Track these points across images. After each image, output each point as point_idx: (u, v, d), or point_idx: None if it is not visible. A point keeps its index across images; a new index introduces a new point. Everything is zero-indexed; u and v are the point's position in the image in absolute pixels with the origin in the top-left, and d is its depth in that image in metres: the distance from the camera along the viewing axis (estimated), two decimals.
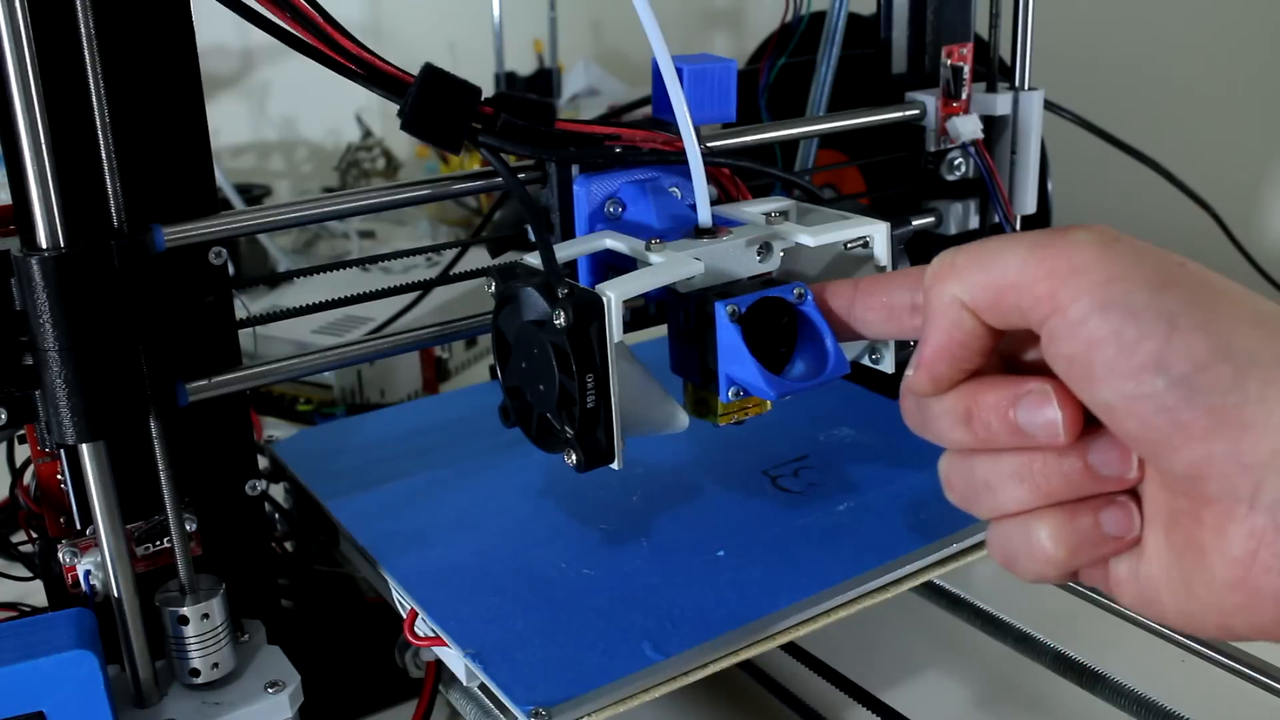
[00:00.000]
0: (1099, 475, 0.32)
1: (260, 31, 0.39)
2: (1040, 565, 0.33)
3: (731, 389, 0.40)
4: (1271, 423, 0.28)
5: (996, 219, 0.59)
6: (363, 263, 0.51)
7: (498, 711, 0.40)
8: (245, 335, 0.44)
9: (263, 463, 0.55)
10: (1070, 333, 0.30)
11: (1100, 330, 0.29)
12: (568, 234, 0.45)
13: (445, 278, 0.52)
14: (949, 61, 0.58)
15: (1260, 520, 0.28)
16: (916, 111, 0.57)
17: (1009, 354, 0.35)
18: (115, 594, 0.39)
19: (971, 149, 0.57)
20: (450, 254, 0.75)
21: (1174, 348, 0.29)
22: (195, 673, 0.40)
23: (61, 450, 0.40)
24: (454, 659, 0.41)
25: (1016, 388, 0.32)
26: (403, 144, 1.39)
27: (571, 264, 0.43)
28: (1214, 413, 0.28)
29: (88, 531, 0.41)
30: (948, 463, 0.35)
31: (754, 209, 0.44)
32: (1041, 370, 0.32)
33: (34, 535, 0.47)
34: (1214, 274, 0.31)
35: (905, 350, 0.45)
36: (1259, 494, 0.28)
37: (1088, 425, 0.32)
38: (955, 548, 0.46)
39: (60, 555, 0.41)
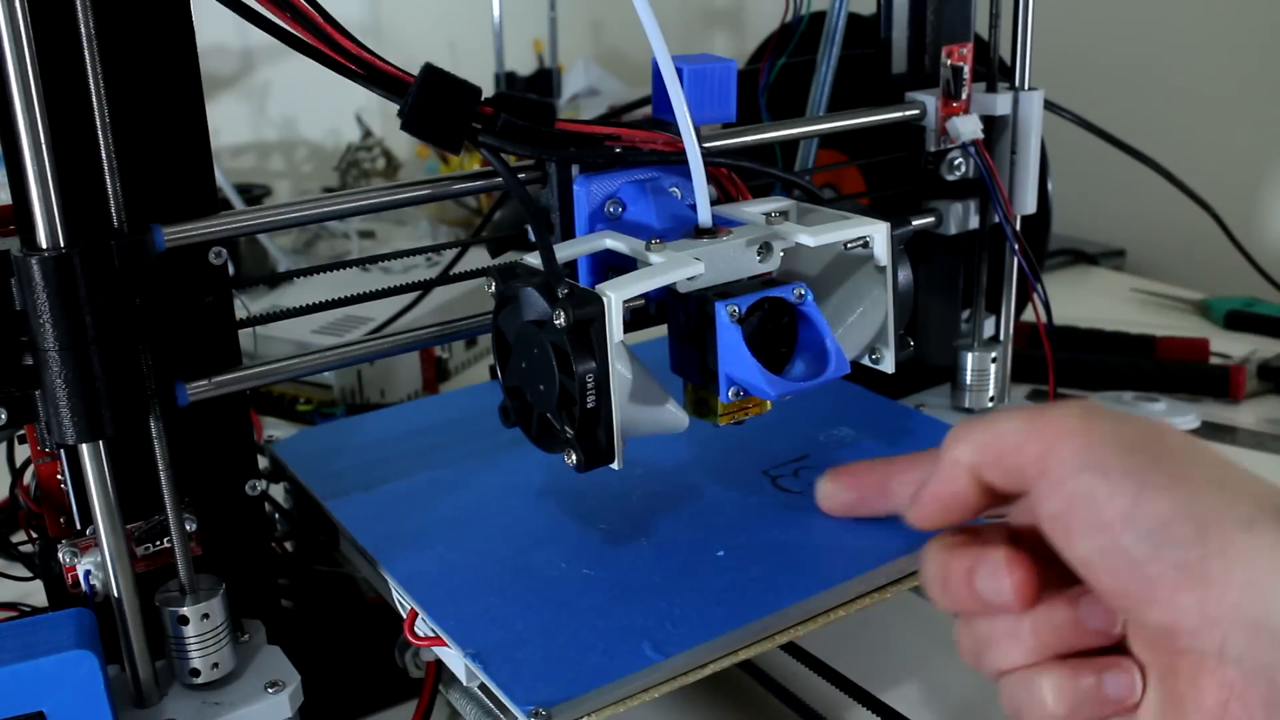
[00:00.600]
0: (1086, 629, 0.35)
1: (260, 31, 0.39)
2: (1043, 718, 0.35)
3: (731, 389, 0.40)
4: (1233, 578, 0.30)
5: (996, 219, 0.59)
6: (363, 263, 0.51)
7: (498, 711, 0.40)
8: (245, 335, 0.44)
9: (263, 463, 0.55)
10: (1053, 491, 0.33)
11: (1078, 489, 0.32)
12: (568, 234, 0.45)
13: (445, 278, 0.52)
14: (949, 61, 0.58)
15: (1230, 672, 0.31)
16: (916, 111, 0.57)
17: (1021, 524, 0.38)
18: (115, 594, 0.39)
19: (971, 149, 0.57)
20: (450, 254, 0.75)
21: (1141, 506, 0.31)
22: (195, 673, 0.40)
23: (61, 450, 0.40)
24: (454, 659, 0.41)
25: (979, 556, 0.36)
26: (403, 144, 1.39)
27: (571, 264, 0.43)
28: (1180, 567, 0.31)
29: (88, 531, 0.41)
30: (959, 625, 0.38)
31: (754, 209, 0.44)
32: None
33: (34, 535, 0.47)
34: (1188, 441, 0.33)
35: (905, 351, 0.45)
36: (1226, 647, 0.30)
37: (1075, 584, 0.34)
38: None
39: (60, 555, 0.41)
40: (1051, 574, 0.35)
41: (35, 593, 0.48)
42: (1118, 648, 0.35)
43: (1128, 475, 0.32)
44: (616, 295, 0.36)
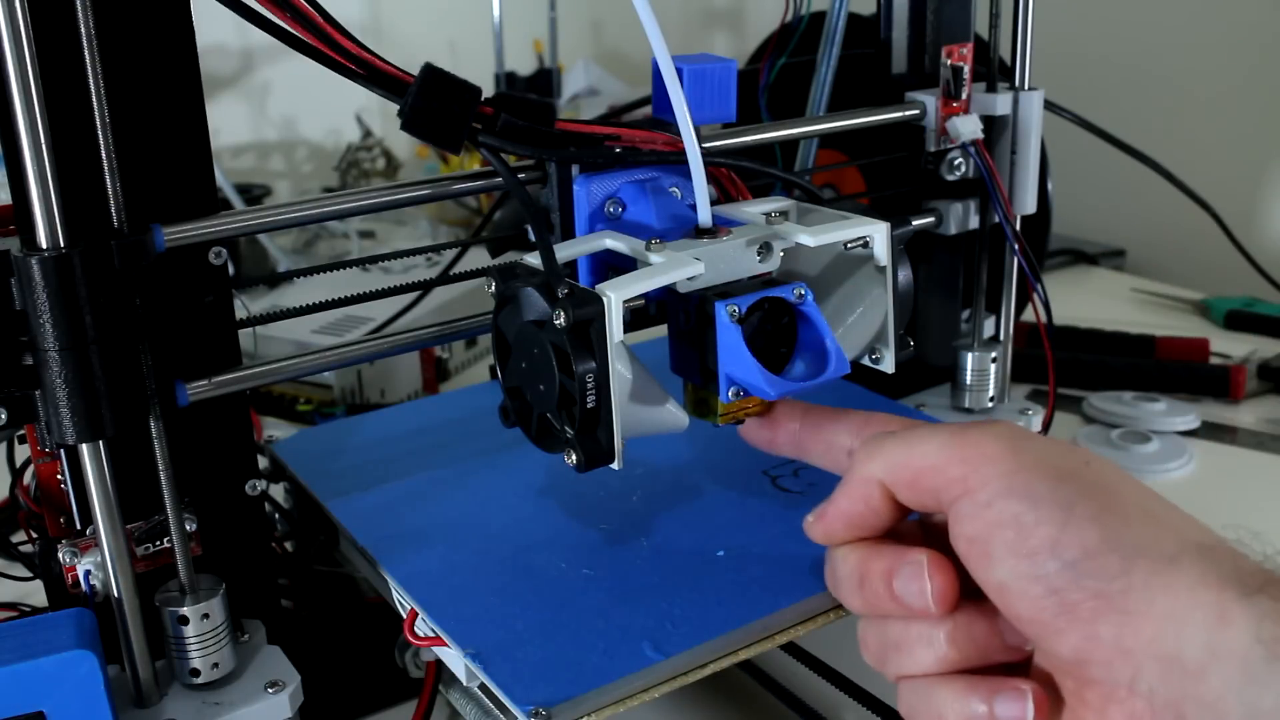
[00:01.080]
0: (1001, 643, 0.35)
1: (260, 31, 0.39)
2: None
3: (731, 389, 0.40)
4: (1153, 611, 0.30)
5: (996, 219, 0.59)
6: (363, 263, 0.51)
7: (498, 711, 0.40)
8: (245, 335, 0.44)
9: (263, 463, 0.55)
10: (975, 514, 0.33)
11: (1003, 513, 0.32)
12: (568, 234, 0.45)
13: (445, 278, 0.52)
14: (949, 61, 0.58)
15: (1139, 705, 0.30)
16: (916, 111, 0.57)
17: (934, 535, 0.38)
18: (115, 594, 0.39)
19: (971, 149, 0.57)
20: (450, 254, 0.75)
21: (1068, 534, 0.31)
22: (195, 673, 0.40)
23: (61, 450, 0.40)
24: (454, 659, 0.41)
25: (899, 558, 0.35)
26: (403, 144, 1.39)
27: (571, 264, 0.43)
28: (1100, 597, 0.31)
29: (88, 531, 0.41)
30: (865, 625, 0.38)
31: (754, 209, 0.44)
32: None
33: (34, 535, 0.47)
34: (1116, 472, 0.33)
35: (905, 351, 0.45)
36: (1137, 679, 0.30)
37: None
38: None
39: (60, 555, 0.41)
40: (970, 583, 0.34)
41: (35, 593, 0.48)
42: (1025, 664, 0.35)
43: (1056, 503, 0.32)
44: (616, 295, 0.36)
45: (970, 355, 0.61)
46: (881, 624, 0.37)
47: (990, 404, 0.62)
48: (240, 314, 0.44)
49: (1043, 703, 0.33)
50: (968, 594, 0.35)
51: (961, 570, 0.34)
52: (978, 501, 0.33)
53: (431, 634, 0.42)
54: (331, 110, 1.38)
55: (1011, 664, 0.35)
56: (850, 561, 0.37)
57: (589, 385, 0.37)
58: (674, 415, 0.41)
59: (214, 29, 0.48)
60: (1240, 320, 0.95)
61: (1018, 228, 0.59)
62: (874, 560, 0.36)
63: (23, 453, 0.47)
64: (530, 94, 0.65)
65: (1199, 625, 0.29)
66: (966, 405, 0.62)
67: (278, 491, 0.56)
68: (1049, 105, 0.72)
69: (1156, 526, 0.32)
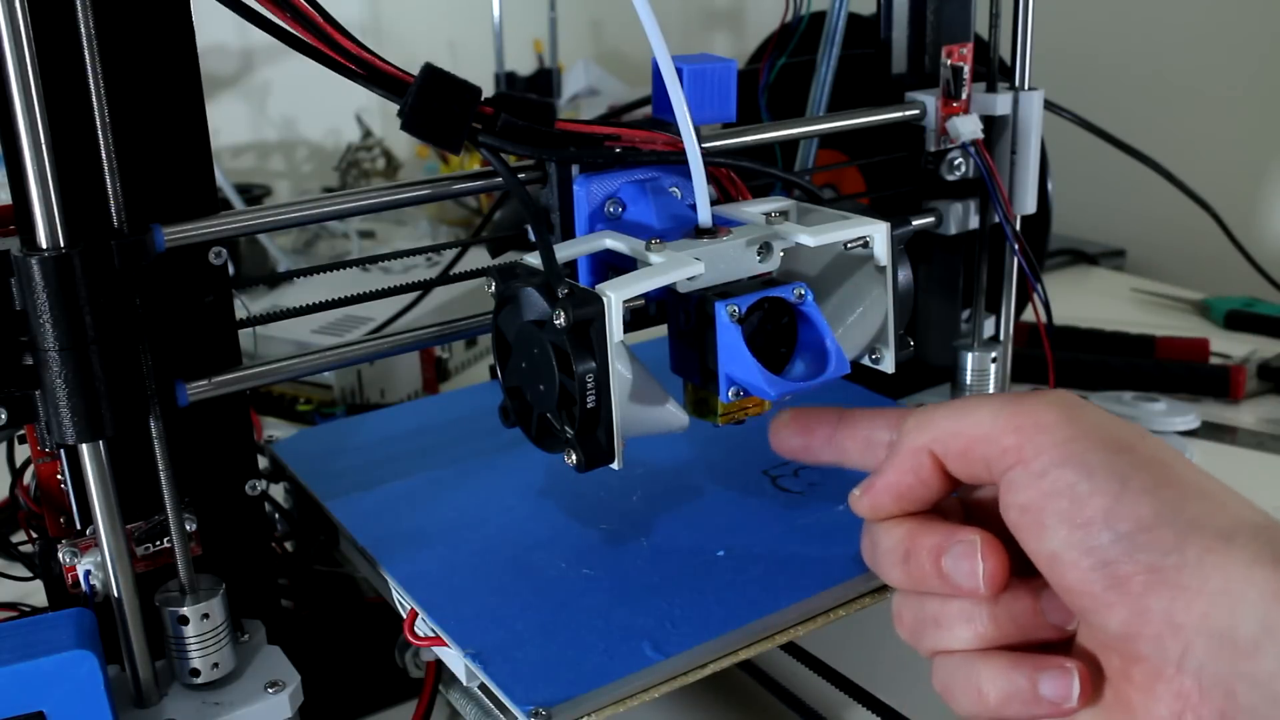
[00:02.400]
0: (1042, 622, 0.35)
1: (260, 31, 0.39)
2: (973, 706, 0.35)
3: (731, 389, 0.40)
4: (1206, 588, 0.30)
5: (996, 219, 0.59)
6: (363, 263, 0.51)
7: (498, 711, 0.40)
8: (245, 335, 0.44)
9: (263, 463, 0.55)
10: (1029, 482, 0.32)
11: (1057, 483, 0.32)
12: (568, 234, 0.45)
13: (445, 278, 0.52)
14: (949, 61, 0.58)
15: (1187, 682, 0.30)
16: (916, 111, 0.57)
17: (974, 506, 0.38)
18: (115, 594, 0.39)
19: (971, 149, 0.57)
20: (450, 254, 0.75)
21: (1123, 506, 0.31)
22: (195, 673, 0.40)
23: (61, 450, 0.40)
24: (454, 659, 0.41)
25: (950, 536, 0.35)
26: (403, 144, 1.39)
27: (571, 264, 0.43)
28: (1152, 571, 0.30)
29: (88, 531, 0.41)
30: (900, 599, 0.37)
31: (754, 209, 0.44)
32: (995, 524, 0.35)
33: (34, 535, 0.47)
34: (1167, 448, 0.33)
35: (905, 351, 0.45)
36: (1186, 656, 0.30)
37: (1036, 574, 0.34)
38: None
39: (60, 555, 0.41)
40: (1015, 561, 0.34)
41: (35, 593, 0.48)
42: (1066, 644, 0.35)
43: (1111, 474, 0.31)
44: (616, 295, 0.36)
45: (970, 355, 0.61)
46: (919, 599, 0.36)
47: None
48: (240, 314, 0.44)
49: (1087, 680, 0.33)
50: (1014, 571, 0.34)
51: (1009, 547, 0.34)
52: (1031, 470, 0.32)
53: (431, 634, 0.42)
54: (331, 110, 1.38)
55: (1052, 644, 0.35)
56: (895, 535, 0.36)
57: (589, 385, 0.37)
58: (674, 415, 0.41)
59: (214, 29, 0.48)
60: (1240, 320, 0.95)
61: (1018, 228, 0.59)
62: (922, 536, 0.36)
63: (23, 453, 0.47)
64: (530, 94, 0.65)
65: (1254, 603, 0.29)
66: None
67: (278, 491, 0.56)
68: (1049, 105, 0.72)
69: (1212, 503, 0.31)
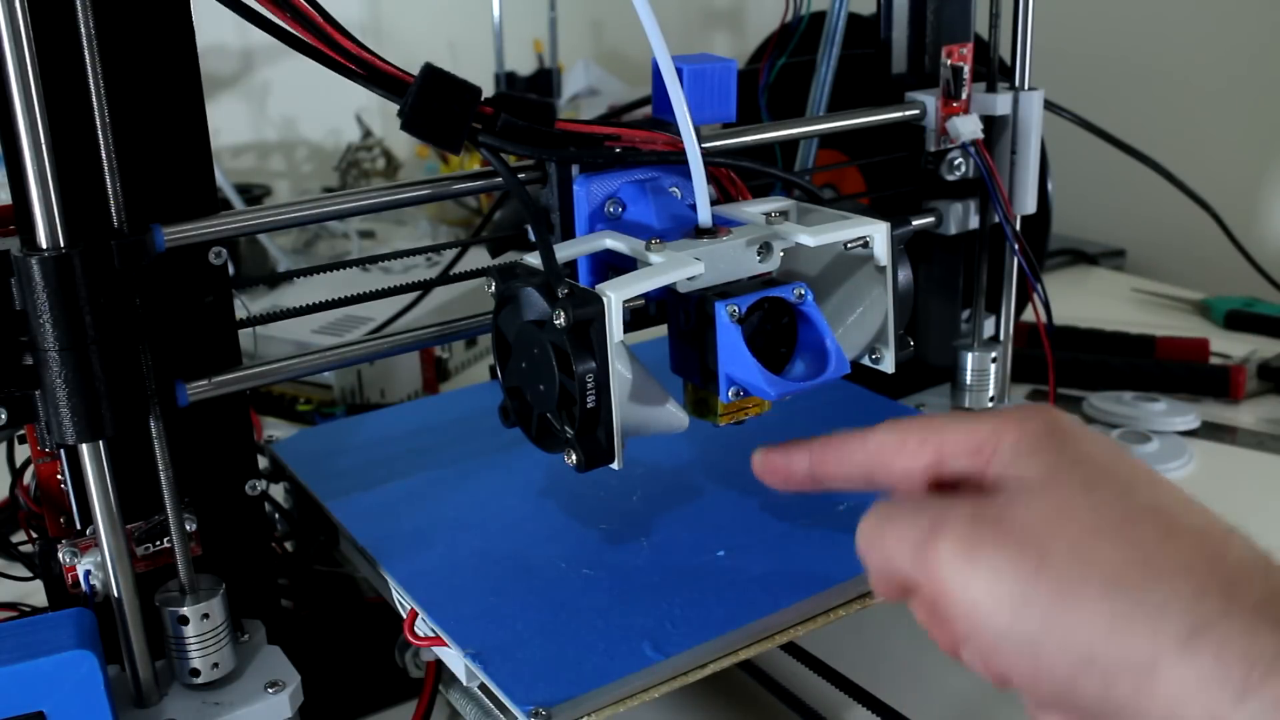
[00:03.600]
0: None
1: (260, 31, 0.39)
2: None
3: (731, 389, 0.40)
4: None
5: (996, 219, 0.59)
6: (363, 263, 0.51)
7: (498, 711, 0.40)
8: (245, 335, 0.44)
9: (263, 463, 0.55)
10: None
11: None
12: (568, 234, 0.45)
13: (445, 278, 0.52)
14: (949, 61, 0.58)
15: None
16: (916, 111, 0.57)
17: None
18: (115, 594, 0.39)
19: (971, 149, 0.57)
20: (450, 254, 0.75)
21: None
22: (195, 673, 0.40)
23: (61, 450, 0.40)
24: (454, 659, 0.41)
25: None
26: (403, 144, 1.39)
27: (571, 264, 0.43)
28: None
29: (88, 531, 0.41)
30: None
31: (754, 209, 0.44)
32: None
33: (34, 535, 0.47)
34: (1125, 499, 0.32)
35: (905, 351, 0.45)
36: None
37: None
38: None
39: (60, 555, 0.41)
40: None
41: (35, 593, 0.48)
42: None
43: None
44: (616, 295, 0.36)
45: (970, 355, 0.61)
46: None
47: (990, 404, 0.62)
48: (240, 314, 0.44)
49: None
50: None
51: None
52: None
53: (431, 634, 0.42)
54: (331, 110, 1.38)
55: None
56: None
57: (589, 385, 0.37)
58: (674, 415, 0.41)
59: (214, 29, 0.48)
60: (1240, 320, 0.95)
61: (1018, 228, 0.59)
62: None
63: (23, 453, 0.47)
64: (530, 94, 0.65)
65: None
66: (966, 405, 0.62)
67: (278, 491, 0.56)
68: (1049, 105, 0.72)
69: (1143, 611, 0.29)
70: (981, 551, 0.31)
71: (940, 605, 0.32)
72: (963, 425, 0.35)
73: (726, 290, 0.40)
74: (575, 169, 0.44)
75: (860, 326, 0.44)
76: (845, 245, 0.42)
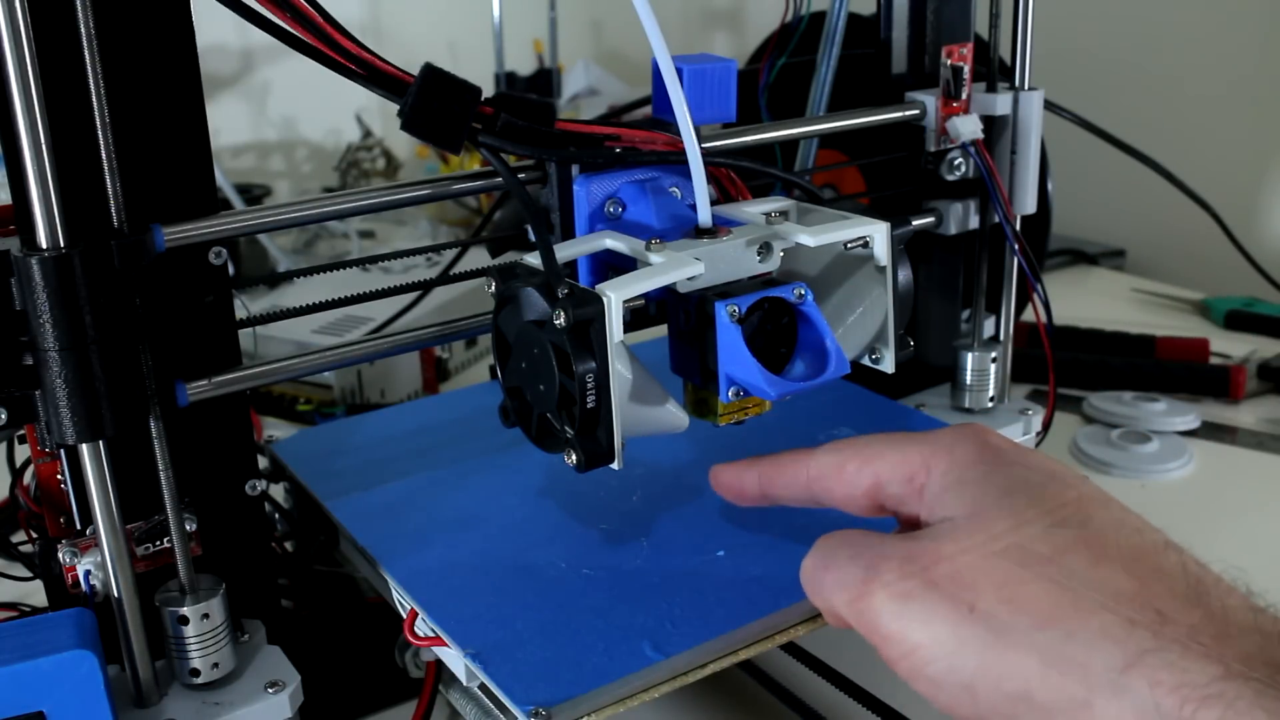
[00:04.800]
0: None
1: (260, 31, 0.39)
2: None
3: (731, 389, 0.40)
4: None
5: (996, 219, 0.59)
6: (363, 263, 0.51)
7: (498, 711, 0.40)
8: (245, 335, 0.44)
9: (263, 463, 0.55)
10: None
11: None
12: (568, 234, 0.45)
13: (445, 278, 0.52)
14: (949, 61, 0.58)
15: None
16: (916, 111, 0.57)
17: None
18: (115, 594, 0.39)
19: (971, 149, 0.57)
20: (450, 254, 0.75)
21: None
22: (195, 673, 0.40)
23: (61, 450, 0.40)
24: (454, 659, 0.41)
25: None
26: (403, 144, 1.39)
27: (571, 264, 0.43)
28: None
29: (88, 531, 0.41)
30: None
31: (754, 209, 0.44)
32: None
33: (34, 535, 0.47)
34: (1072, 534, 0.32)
35: (905, 351, 0.45)
36: None
37: None
38: None
39: (60, 555, 0.41)
40: None
41: (35, 593, 0.48)
42: None
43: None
44: (616, 295, 0.36)
45: (970, 355, 0.61)
46: None
47: (990, 404, 0.62)
48: (240, 314, 0.44)
49: None
50: None
51: None
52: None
53: (431, 634, 0.42)
54: (331, 110, 1.38)
55: None
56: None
57: (589, 385, 0.37)
58: (674, 415, 0.41)
59: (214, 29, 0.48)
60: (1240, 320, 0.95)
61: (1018, 228, 0.59)
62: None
63: (23, 453, 0.47)
64: (530, 94, 0.65)
65: None
66: (966, 405, 0.62)
67: (278, 491, 0.56)
68: (1049, 105, 0.72)
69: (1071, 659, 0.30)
70: (913, 600, 0.32)
71: (881, 650, 0.33)
72: (896, 452, 0.36)
73: (726, 290, 0.40)
74: (575, 169, 0.44)
75: (860, 326, 0.44)
76: (845, 245, 0.42)
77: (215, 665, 0.41)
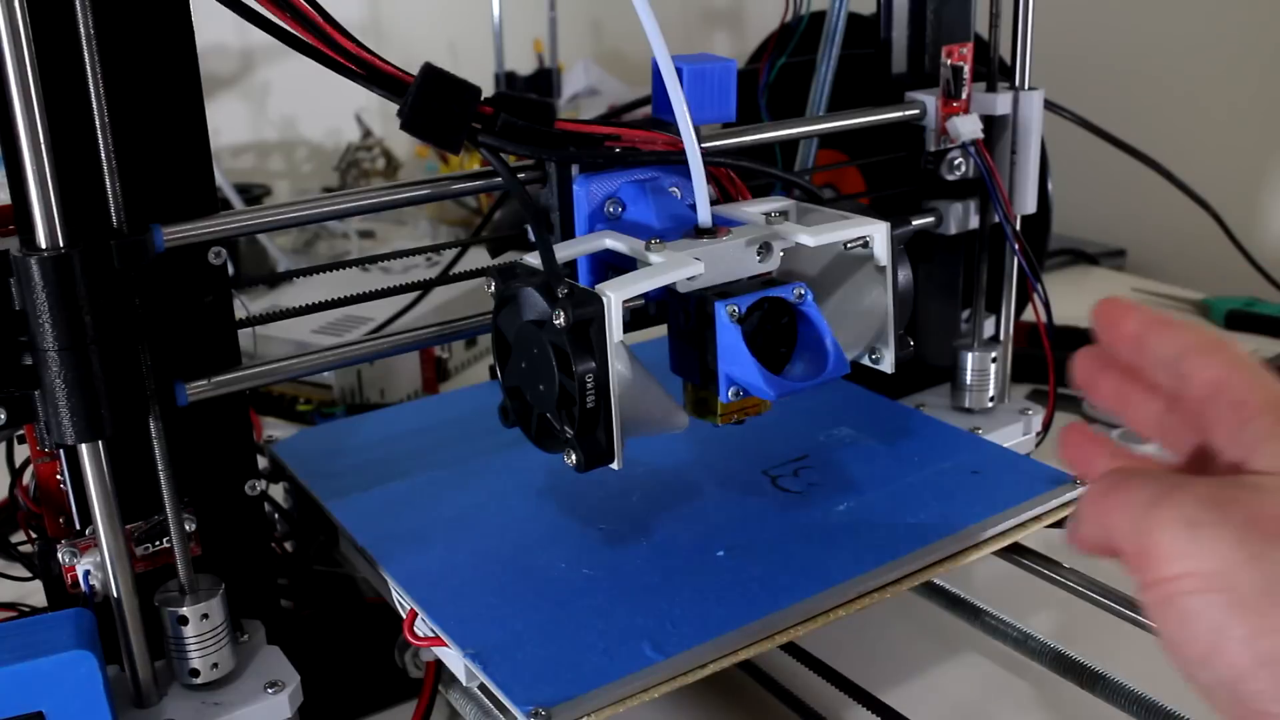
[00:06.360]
0: None
1: (260, 31, 0.39)
2: None
3: (731, 389, 0.40)
4: None
5: (996, 219, 0.59)
6: (363, 263, 0.51)
7: (497, 712, 0.40)
8: (245, 335, 0.44)
9: (263, 463, 0.55)
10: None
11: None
12: (568, 234, 0.45)
13: (445, 278, 0.52)
14: (949, 61, 0.58)
15: None
16: (916, 111, 0.57)
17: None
18: (115, 594, 0.39)
19: (971, 149, 0.57)
20: (450, 254, 0.75)
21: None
22: (195, 673, 0.40)
23: (61, 450, 0.40)
24: (454, 659, 0.41)
25: None
26: (403, 144, 1.39)
27: (571, 264, 0.43)
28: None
29: (87, 531, 0.41)
30: None
31: (754, 209, 0.44)
32: None
33: (33, 535, 0.47)
34: None
35: (905, 351, 0.45)
36: None
37: None
38: (955, 548, 0.46)
39: (60, 555, 0.41)
40: None
41: (35, 593, 0.48)
42: None
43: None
44: (616, 295, 0.36)
45: (970, 355, 0.61)
46: None
47: (990, 404, 0.62)
48: (240, 314, 0.44)
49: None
50: None
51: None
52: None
53: (431, 634, 0.42)
54: (331, 110, 1.38)
55: None
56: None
57: (589, 385, 0.37)
58: (674, 415, 0.41)
59: (214, 29, 0.48)
60: (1240, 320, 0.95)
61: (1018, 228, 0.59)
62: None
63: (22, 453, 0.47)
64: (530, 94, 0.65)
65: None
66: (966, 405, 0.62)
67: (278, 491, 0.56)
68: (1049, 105, 0.72)
69: None
70: (1202, 528, 0.31)
71: (1142, 570, 0.32)
72: (1253, 375, 0.34)
73: (726, 290, 0.40)
74: (575, 169, 0.44)
75: (860, 326, 0.44)
76: (845, 245, 0.42)
77: (215, 665, 0.41)
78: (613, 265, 0.43)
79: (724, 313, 0.39)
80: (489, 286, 0.40)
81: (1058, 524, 0.48)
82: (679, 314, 0.42)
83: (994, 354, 0.61)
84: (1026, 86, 0.58)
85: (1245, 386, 0.34)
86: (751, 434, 0.50)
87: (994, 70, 0.58)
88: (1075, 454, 0.41)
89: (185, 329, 0.41)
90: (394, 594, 0.45)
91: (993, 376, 0.62)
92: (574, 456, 0.38)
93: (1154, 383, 0.39)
